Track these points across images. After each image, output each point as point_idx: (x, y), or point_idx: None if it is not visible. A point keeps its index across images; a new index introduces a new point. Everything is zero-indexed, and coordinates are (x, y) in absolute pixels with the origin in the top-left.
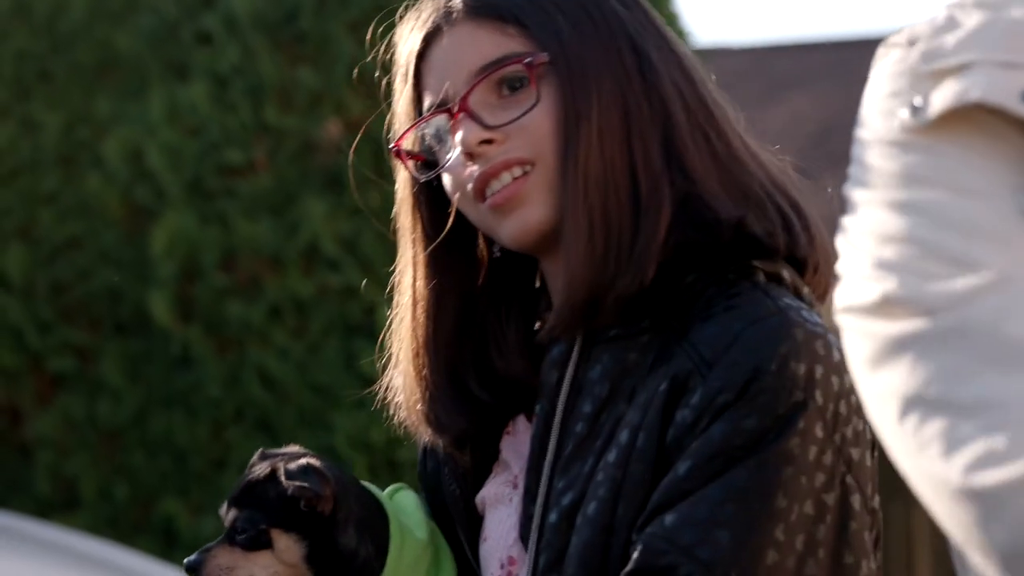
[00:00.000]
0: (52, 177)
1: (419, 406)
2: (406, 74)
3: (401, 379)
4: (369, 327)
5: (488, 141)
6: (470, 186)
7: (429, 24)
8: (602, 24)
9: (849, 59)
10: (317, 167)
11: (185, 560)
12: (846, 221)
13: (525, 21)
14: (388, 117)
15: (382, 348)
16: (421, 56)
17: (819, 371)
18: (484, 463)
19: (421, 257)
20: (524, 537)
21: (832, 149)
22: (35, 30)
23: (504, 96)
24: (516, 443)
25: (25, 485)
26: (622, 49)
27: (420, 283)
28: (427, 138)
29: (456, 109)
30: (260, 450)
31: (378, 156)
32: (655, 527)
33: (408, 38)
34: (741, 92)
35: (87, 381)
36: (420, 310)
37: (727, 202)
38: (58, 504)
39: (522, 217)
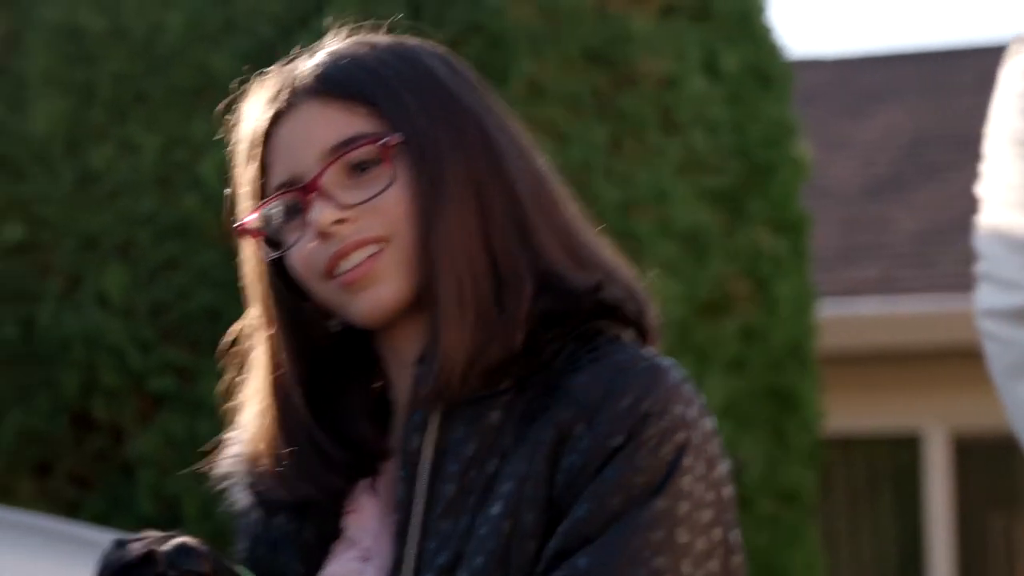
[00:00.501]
0: (150, 198)
1: (266, 465)
2: (251, 150)
3: (246, 436)
4: None
5: (341, 220)
6: (322, 265)
7: (278, 102)
8: (448, 104)
9: (940, 71)
10: None
11: None
12: (982, 221)
13: (374, 100)
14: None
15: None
16: (268, 133)
17: (693, 412)
18: (322, 543)
19: (271, 330)
20: None
21: (925, 161)
22: (132, 52)
23: (356, 176)
24: (362, 519)
25: (128, 503)
26: (469, 129)
27: (269, 351)
28: (273, 218)
29: (309, 189)
30: (114, 539)
31: None
32: (567, 570)
33: (254, 113)
34: (831, 104)
35: (187, 400)
36: (270, 375)
37: (580, 274)
38: (161, 522)
39: (375, 295)
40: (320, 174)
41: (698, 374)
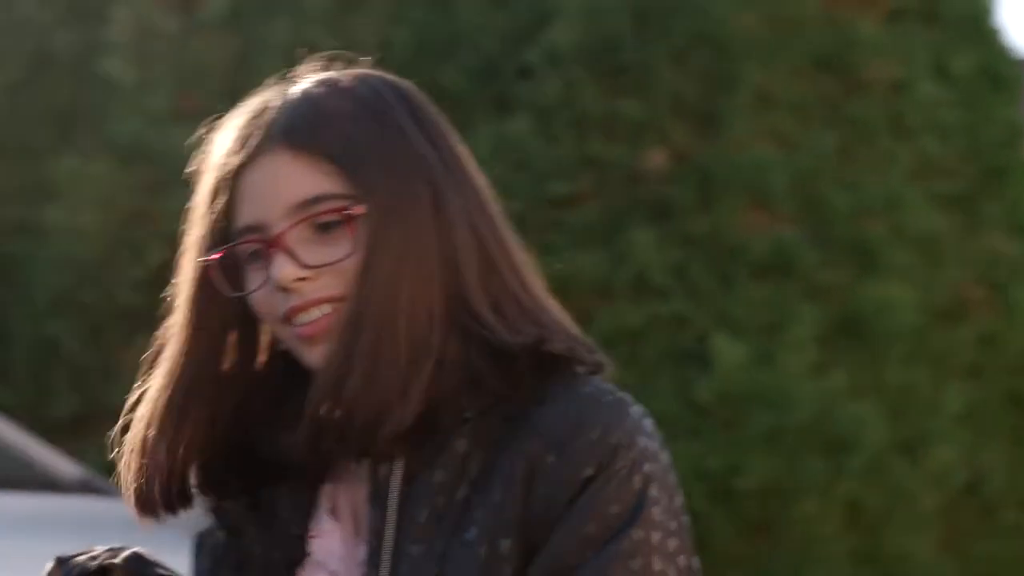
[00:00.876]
0: None
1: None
2: (219, 184)
3: (154, 433)
4: (700, 355)
5: (302, 279)
6: (281, 312)
7: (248, 146)
8: (410, 167)
9: None
10: (643, 197)
11: None
12: None
13: (341, 163)
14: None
15: (710, 375)
16: (237, 173)
17: (655, 445)
18: (288, 566)
19: (201, 337)
20: None
21: None
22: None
23: (319, 233)
24: (326, 543)
25: None
26: (423, 194)
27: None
28: (239, 257)
29: (273, 244)
30: (56, 557)
31: (702, 185)
32: None
33: (223, 149)
34: None
35: None
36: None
37: (520, 333)
38: None
39: (327, 349)
40: (284, 232)
41: (935, 382)
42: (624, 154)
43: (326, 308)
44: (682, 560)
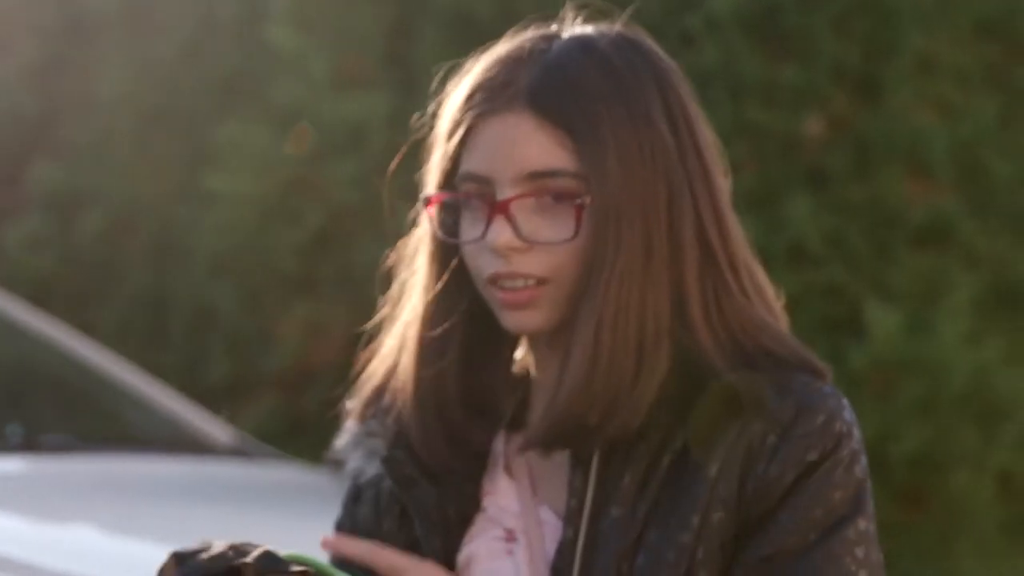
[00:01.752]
0: None
1: (401, 425)
2: (455, 129)
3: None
4: (855, 325)
5: (516, 247)
6: (486, 273)
7: (497, 99)
8: (648, 160)
9: None
10: (801, 164)
11: None
12: None
13: (582, 142)
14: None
15: (864, 343)
16: (474, 125)
17: (860, 434)
18: (460, 520)
19: (429, 293)
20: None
21: None
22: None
23: (541, 203)
24: (501, 500)
25: None
26: (659, 191)
27: (424, 319)
28: (459, 203)
29: (498, 208)
30: (173, 553)
31: (861, 153)
32: (787, 569)
33: (470, 94)
34: None
35: None
36: (424, 342)
37: (720, 359)
38: None
39: (525, 319)
40: (513, 199)
41: None
42: (782, 121)
43: (531, 281)
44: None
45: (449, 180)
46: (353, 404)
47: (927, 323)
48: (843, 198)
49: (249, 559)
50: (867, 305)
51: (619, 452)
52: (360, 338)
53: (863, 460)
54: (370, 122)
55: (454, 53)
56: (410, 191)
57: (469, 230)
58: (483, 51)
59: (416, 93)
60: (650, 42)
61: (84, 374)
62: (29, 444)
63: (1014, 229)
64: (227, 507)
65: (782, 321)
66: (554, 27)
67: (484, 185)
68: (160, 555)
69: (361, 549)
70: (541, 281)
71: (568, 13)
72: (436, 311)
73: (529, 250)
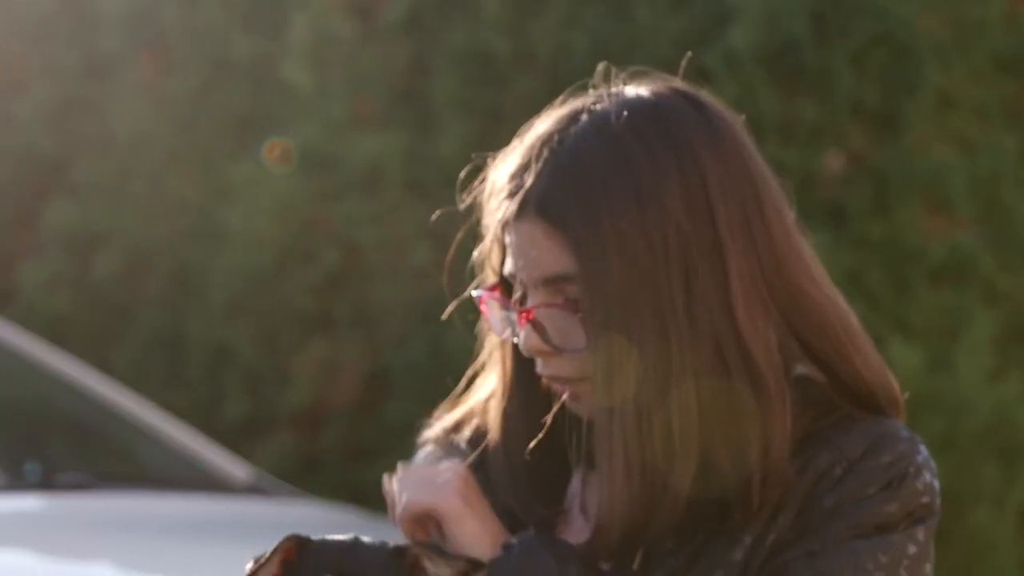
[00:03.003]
0: None
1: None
2: (499, 230)
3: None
4: None
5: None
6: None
7: (513, 203)
8: (658, 248)
9: None
10: (819, 201)
11: None
12: None
13: (579, 245)
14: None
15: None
16: (506, 223)
17: (936, 488)
18: None
19: (508, 366)
20: None
21: None
22: (538, 74)
23: (565, 309)
24: (571, 535)
25: None
26: (671, 276)
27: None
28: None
29: (521, 313)
30: (293, 536)
31: (880, 188)
32: (801, 561)
33: (499, 191)
34: None
35: None
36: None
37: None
38: None
39: (578, 408)
40: (534, 307)
41: None
42: (801, 157)
43: (569, 381)
44: None
45: (498, 273)
46: (430, 433)
47: (947, 360)
48: (862, 234)
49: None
50: (887, 342)
51: (739, 510)
52: (375, 377)
53: (925, 500)
54: (386, 161)
55: (470, 91)
56: (426, 229)
57: (516, 324)
58: (523, 130)
59: (432, 131)
60: (697, 99)
61: (101, 413)
62: (46, 483)
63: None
64: (244, 545)
65: (871, 369)
66: (590, 96)
67: (522, 287)
68: None
69: (390, 495)
70: (579, 380)
71: (613, 71)
72: (517, 376)
73: (560, 354)
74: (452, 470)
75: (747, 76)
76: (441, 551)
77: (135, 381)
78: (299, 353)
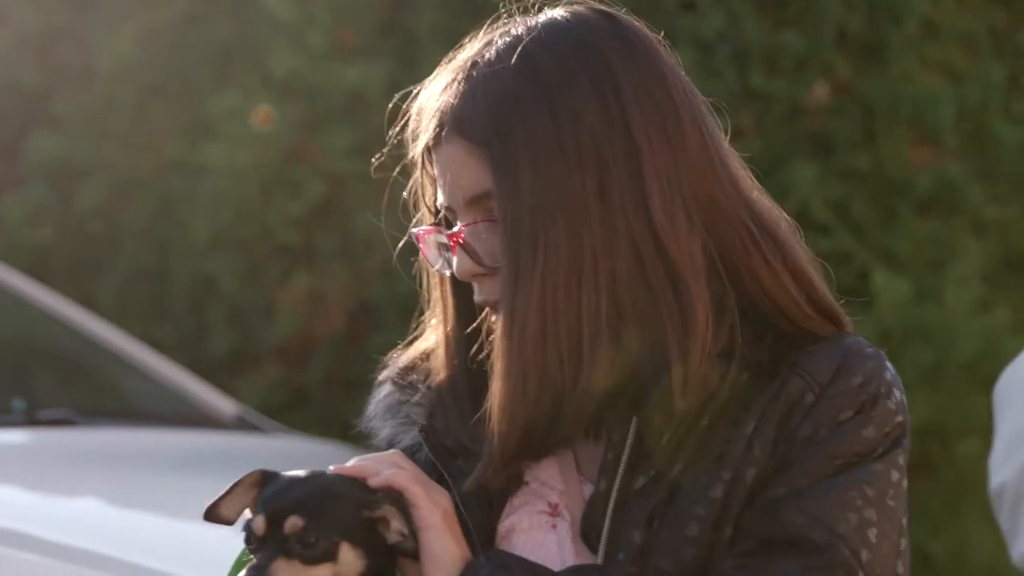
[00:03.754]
0: None
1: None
2: (424, 162)
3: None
4: (862, 293)
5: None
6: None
7: (433, 128)
8: (571, 156)
9: None
10: (805, 131)
11: None
12: None
13: (494, 158)
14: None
15: (871, 312)
16: (428, 149)
17: (905, 401)
18: (500, 493)
19: (450, 304)
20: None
21: None
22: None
23: (491, 228)
24: (543, 474)
25: None
26: (586, 181)
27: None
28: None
29: (451, 238)
30: (258, 470)
31: (866, 119)
32: (790, 502)
33: (420, 124)
34: None
35: None
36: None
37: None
38: None
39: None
40: (460, 229)
41: None
42: (787, 87)
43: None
44: (902, 510)
45: (433, 209)
46: (387, 372)
47: (934, 291)
48: (848, 165)
49: (384, 500)
50: (874, 273)
51: (659, 413)
52: (361, 309)
53: (900, 419)
54: (368, 91)
55: (452, 22)
56: (407, 160)
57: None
58: (444, 62)
59: (414, 62)
60: (613, 15)
61: (85, 347)
62: (31, 418)
63: (1021, 195)
64: (231, 478)
65: (800, 273)
66: (507, 23)
67: (452, 215)
68: (162, 525)
69: (384, 476)
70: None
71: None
72: (459, 314)
73: (493, 275)
74: (440, 492)
75: (732, 6)
76: (408, 516)
77: (119, 314)
78: (284, 285)
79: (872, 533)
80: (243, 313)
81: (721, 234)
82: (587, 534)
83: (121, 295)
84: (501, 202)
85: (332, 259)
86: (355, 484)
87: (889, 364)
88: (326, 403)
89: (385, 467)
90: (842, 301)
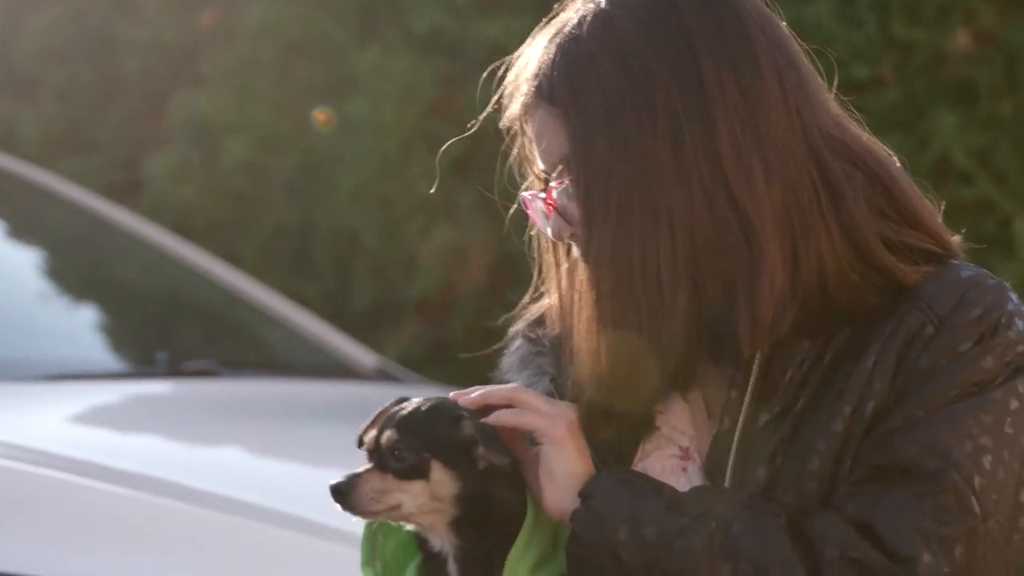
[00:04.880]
0: None
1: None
2: (523, 131)
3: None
4: (1005, 240)
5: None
6: None
7: (525, 98)
8: (642, 109)
9: None
10: (947, 79)
11: (331, 483)
12: None
13: (569, 121)
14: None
15: (1014, 259)
16: (523, 118)
17: None
18: (633, 437)
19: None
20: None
21: None
22: None
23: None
24: (674, 419)
25: None
26: (658, 137)
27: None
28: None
29: (544, 203)
30: (396, 398)
31: (1009, 66)
32: (905, 431)
33: (515, 88)
34: None
35: None
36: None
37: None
38: None
39: None
40: (549, 192)
41: None
42: (928, 36)
43: None
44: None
45: (540, 174)
46: (518, 326)
47: None
48: (991, 113)
49: (481, 426)
50: (1016, 221)
51: (783, 350)
52: (501, 262)
53: (1020, 349)
54: (509, 46)
55: None
56: None
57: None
58: (535, 32)
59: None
60: None
61: (229, 302)
62: (175, 369)
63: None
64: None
65: (914, 213)
66: None
67: (547, 177)
68: (304, 475)
69: (504, 392)
70: None
71: None
72: (569, 275)
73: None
74: (567, 406)
75: None
76: (494, 439)
77: (262, 271)
78: (425, 240)
79: (987, 460)
80: (385, 268)
81: (796, 184)
82: (712, 473)
83: (264, 252)
84: (575, 161)
85: (473, 213)
86: (461, 409)
87: (1013, 295)
88: (467, 356)
89: (506, 392)
90: (984, 247)
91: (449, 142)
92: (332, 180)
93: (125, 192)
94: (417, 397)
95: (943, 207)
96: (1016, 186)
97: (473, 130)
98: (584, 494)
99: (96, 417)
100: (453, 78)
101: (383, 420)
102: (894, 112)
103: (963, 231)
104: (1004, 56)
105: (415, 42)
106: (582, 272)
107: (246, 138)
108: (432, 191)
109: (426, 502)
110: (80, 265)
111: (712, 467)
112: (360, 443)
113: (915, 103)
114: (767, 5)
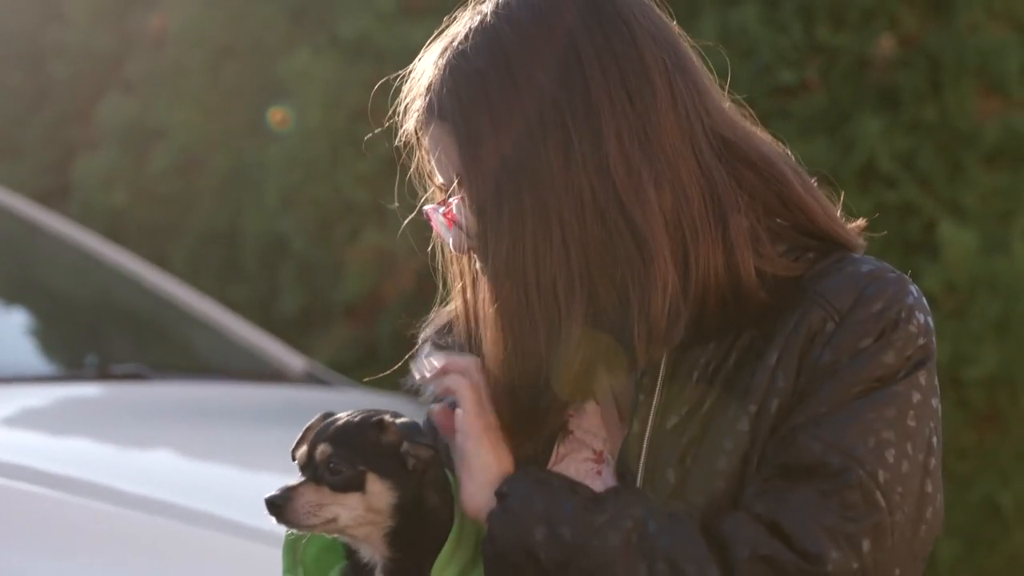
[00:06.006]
0: None
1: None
2: (421, 144)
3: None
4: (929, 245)
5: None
6: None
7: (420, 113)
8: (532, 122)
9: None
10: (872, 84)
11: (266, 496)
12: None
13: (458, 138)
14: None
15: (938, 263)
16: (418, 134)
17: (931, 324)
18: (545, 443)
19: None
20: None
21: None
22: None
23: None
24: (586, 422)
25: None
26: (550, 149)
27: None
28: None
29: (446, 216)
30: (322, 413)
31: (933, 70)
32: (808, 429)
33: (409, 105)
34: None
35: None
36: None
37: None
38: None
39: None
40: (449, 207)
41: None
42: (854, 40)
43: None
44: (929, 430)
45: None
46: (427, 332)
47: (1001, 242)
48: (915, 117)
49: (399, 420)
50: (941, 225)
51: (689, 352)
52: (428, 267)
53: (921, 341)
54: None
55: None
56: None
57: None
58: (426, 46)
59: None
60: None
61: (158, 306)
62: (103, 372)
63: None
64: (297, 430)
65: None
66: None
67: (446, 191)
68: (233, 477)
69: (461, 363)
70: None
71: None
72: (473, 286)
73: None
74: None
75: None
76: (416, 433)
77: (192, 275)
78: (353, 245)
79: (891, 454)
80: (314, 272)
81: (686, 189)
82: (623, 476)
83: (194, 256)
84: (466, 177)
85: (401, 218)
86: (383, 413)
87: (913, 288)
88: (395, 360)
89: (461, 370)
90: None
91: (368, 135)
92: (260, 185)
93: (54, 197)
94: (343, 410)
95: (870, 212)
96: (940, 190)
97: (401, 137)
98: (500, 494)
99: (25, 420)
100: (380, 83)
101: (313, 434)
102: (820, 116)
103: (886, 234)
104: (928, 61)
105: (342, 47)
106: (484, 284)
107: (175, 143)
108: (361, 194)
109: (362, 514)
110: (9, 269)
111: (623, 472)
112: (293, 457)
113: (840, 108)
114: (657, 5)
